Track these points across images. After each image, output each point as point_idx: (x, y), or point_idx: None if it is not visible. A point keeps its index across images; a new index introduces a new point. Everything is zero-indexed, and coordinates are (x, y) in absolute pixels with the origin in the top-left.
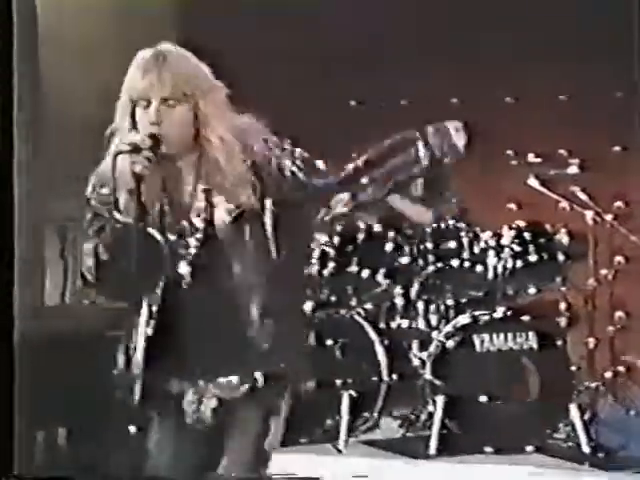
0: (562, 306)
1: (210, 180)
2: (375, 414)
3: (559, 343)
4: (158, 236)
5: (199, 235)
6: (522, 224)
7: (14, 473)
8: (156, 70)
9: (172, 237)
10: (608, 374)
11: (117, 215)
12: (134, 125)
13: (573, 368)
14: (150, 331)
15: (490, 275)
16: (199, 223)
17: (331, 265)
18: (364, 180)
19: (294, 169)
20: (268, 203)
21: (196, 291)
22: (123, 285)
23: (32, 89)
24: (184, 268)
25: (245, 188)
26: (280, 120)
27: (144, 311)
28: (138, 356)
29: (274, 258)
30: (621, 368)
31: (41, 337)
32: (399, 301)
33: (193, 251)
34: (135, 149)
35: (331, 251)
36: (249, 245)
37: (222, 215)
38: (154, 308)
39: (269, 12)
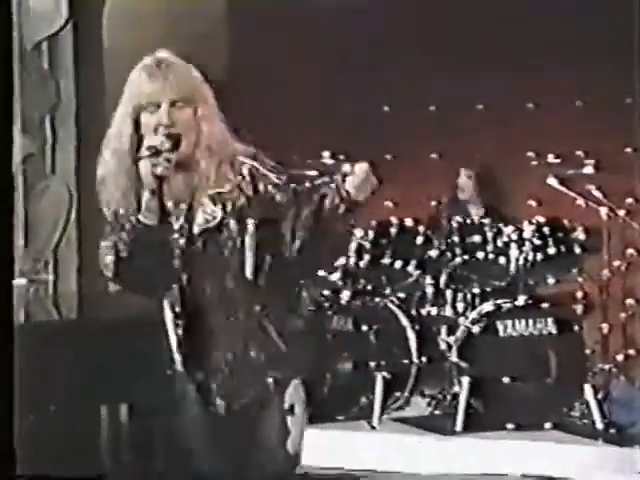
0: (578, 295)
1: (199, 185)
2: (406, 393)
3: (575, 329)
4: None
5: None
6: (542, 220)
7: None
8: (162, 75)
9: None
10: (620, 357)
11: (140, 217)
12: (137, 131)
13: (588, 352)
14: (180, 332)
15: (512, 266)
16: (185, 226)
17: (366, 257)
18: None
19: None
20: (249, 220)
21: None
22: (143, 283)
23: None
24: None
25: (227, 199)
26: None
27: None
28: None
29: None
30: (632, 351)
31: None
32: (429, 290)
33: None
34: (155, 152)
35: (366, 244)
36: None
37: (200, 221)
38: (177, 308)
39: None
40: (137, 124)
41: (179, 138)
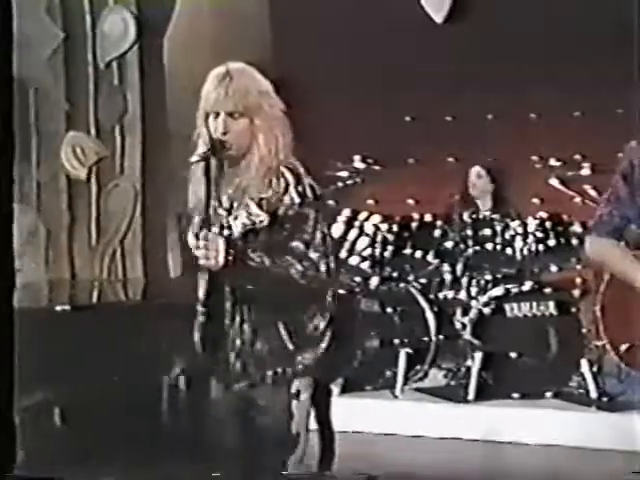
0: (577, 281)
1: (246, 191)
2: (425, 367)
3: (573, 310)
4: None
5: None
6: (544, 215)
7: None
8: (223, 87)
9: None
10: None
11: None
12: (208, 131)
13: (584, 330)
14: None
15: (518, 256)
16: (225, 228)
17: (391, 248)
18: None
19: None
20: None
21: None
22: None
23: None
24: None
25: (270, 204)
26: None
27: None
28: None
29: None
30: None
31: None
32: (446, 277)
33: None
34: (206, 157)
35: (390, 236)
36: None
37: (243, 221)
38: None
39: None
40: (207, 128)
41: (227, 145)
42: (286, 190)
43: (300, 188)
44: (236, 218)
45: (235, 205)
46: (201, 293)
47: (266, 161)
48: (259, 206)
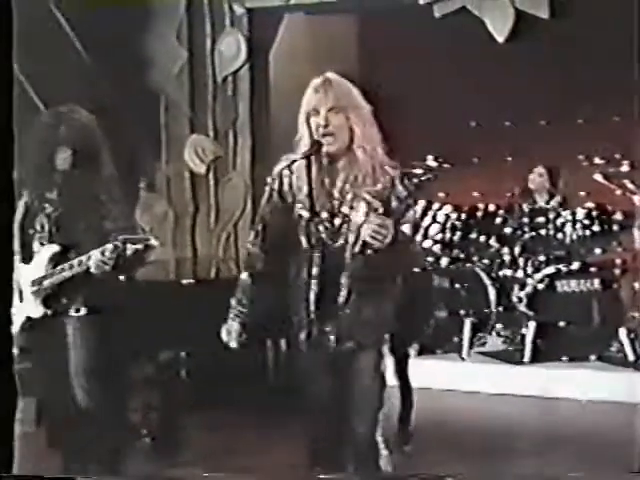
0: (617, 261)
1: (354, 185)
2: (487, 334)
3: (615, 286)
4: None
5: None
6: (590, 205)
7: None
8: (324, 90)
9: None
10: None
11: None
12: (309, 130)
13: (624, 303)
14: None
15: (568, 240)
16: (337, 222)
17: (459, 234)
18: None
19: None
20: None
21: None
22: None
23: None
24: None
25: (379, 197)
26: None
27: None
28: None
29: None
30: None
31: None
32: (506, 258)
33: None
34: (309, 154)
35: (458, 223)
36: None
37: (359, 218)
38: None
39: None
40: (309, 126)
41: (334, 134)
42: (393, 183)
43: (406, 181)
44: (352, 208)
45: (348, 197)
46: (315, 270)
47: (369, 156)
48: (373, 197)
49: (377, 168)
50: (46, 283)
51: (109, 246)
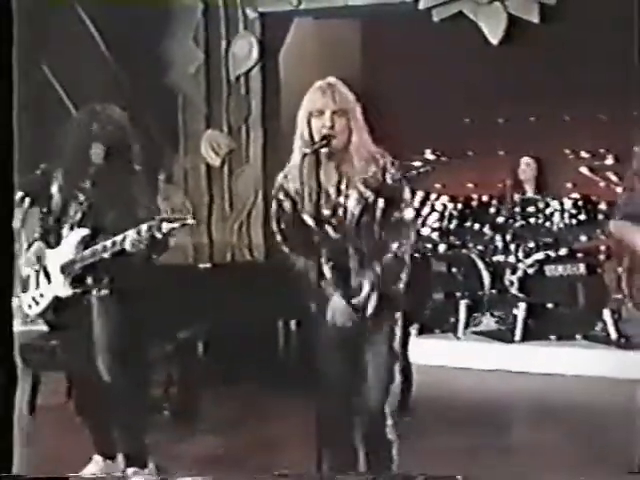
0: (601, 248)
1: (349, 176)
2: (481, 315)
3: (599, 271)
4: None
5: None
6: (576, 196)
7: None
8: (330, 92)
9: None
10: (628, 290)
11: (303, 206)
12: (310, 130)
13: (607, 286)
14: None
15: (556, 228)
16: (340, 212)
17: (455, 222)
18: None
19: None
20: (380, 201)
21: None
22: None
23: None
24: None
25: (370, 183)
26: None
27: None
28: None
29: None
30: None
31: None
32: (498, 244)
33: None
34: (314, 150)
35: (454, 212)
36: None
37: (352, 204)
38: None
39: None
40: (309, 126)
41: (331, 140)
42: (384, 169)
43: (393, 170)
44: (347, 197)
45: (343, 187)
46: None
47: (362, 152)
48: (365, 186)
49: (369, 159)
50: (79, 264)
51: (144, 226)
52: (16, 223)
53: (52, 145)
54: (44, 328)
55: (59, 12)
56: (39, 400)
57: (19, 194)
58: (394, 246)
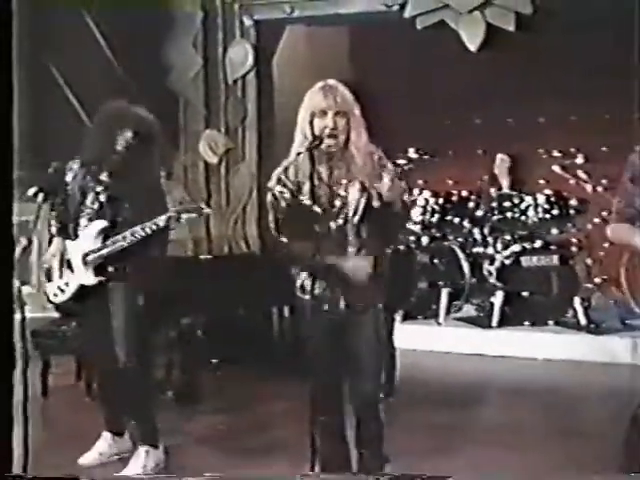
0: (573, 240)
1: (348, 172)
2: (461, 302)
3: (571, 262)
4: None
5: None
6: (549, 192)
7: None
8: (332, 94)
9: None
10: (597, 280)
11: (302, 197)
12: (312, 129)
13: (578, 276)
14: None
15: (530, 222)
16: (339, 204)
17: (437, 216)
18: None
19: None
20: (374, 192)
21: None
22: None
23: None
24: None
25: (369, 180)
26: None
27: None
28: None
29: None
30: (605, 277)
31: None
32: (477, 237)
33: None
34: (316, 146)
35: (436, 207)
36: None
37: (354, 195)
38: None
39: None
40: (312, 125)
41: (337, 135)
42: (381, 163)
43: (391, 167)
44: (346, 191)
45: (344, 182)
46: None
47: (361, 149)
48: (364, 181)
49: (366, 156)
50: (101, 253)
51: (162, 217)
52: (29, 218)
53: (62, 142)
54: (55, 315)
55: (65, 17)
56: (50, 382)
57: (32, 190)
58: (387, 238)
